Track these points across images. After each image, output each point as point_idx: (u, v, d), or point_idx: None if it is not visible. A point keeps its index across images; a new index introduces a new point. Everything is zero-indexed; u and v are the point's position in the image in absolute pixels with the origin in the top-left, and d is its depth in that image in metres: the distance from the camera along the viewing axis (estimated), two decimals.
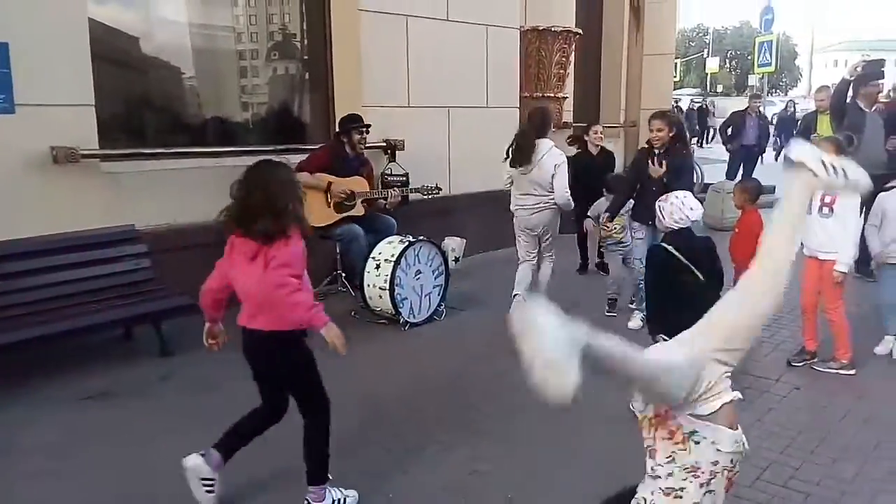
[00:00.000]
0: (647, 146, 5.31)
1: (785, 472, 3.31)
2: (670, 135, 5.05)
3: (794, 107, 22.04)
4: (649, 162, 5.10)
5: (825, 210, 4.50)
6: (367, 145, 6.56)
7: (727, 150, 11.85)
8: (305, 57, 7.04)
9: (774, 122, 20.40)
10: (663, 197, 3.87)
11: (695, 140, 22.59)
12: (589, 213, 5.91)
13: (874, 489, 3.19)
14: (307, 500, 2.97)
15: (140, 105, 6.14)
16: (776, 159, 18.19)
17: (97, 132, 5.15)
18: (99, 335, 4.87)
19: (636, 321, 5.39)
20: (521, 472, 3.35)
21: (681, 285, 3.64)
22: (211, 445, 3.00)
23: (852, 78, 6.85)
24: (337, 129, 6.18)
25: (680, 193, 3.83)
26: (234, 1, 6.66)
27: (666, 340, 3.69)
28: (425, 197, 6.33)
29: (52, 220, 4.85)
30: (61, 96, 4.92)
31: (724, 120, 12.65)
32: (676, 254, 3.67)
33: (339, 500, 3.05)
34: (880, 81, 6.69)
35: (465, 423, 3.87)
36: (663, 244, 3.75)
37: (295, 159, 5.91)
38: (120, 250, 4.99)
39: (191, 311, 5.02)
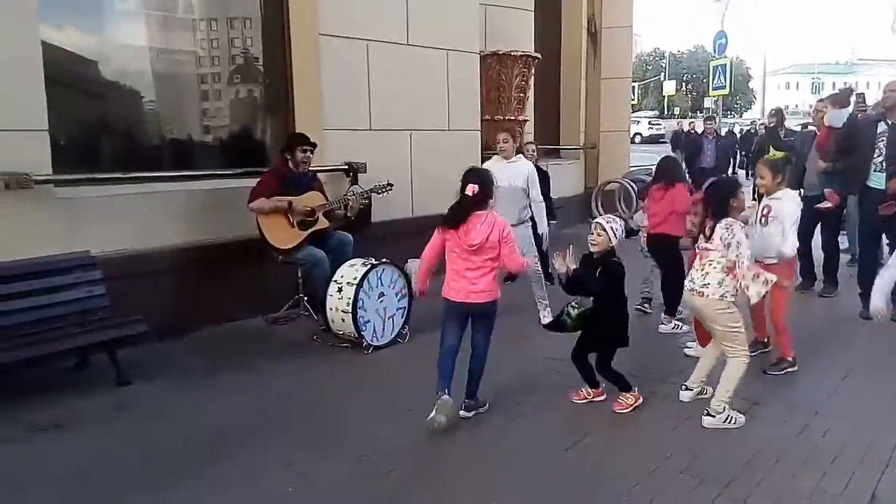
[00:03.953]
0: None
1: (745, 489, 3.34)
2: None
3: (756, 126, 22.43)
4: None
5: (763, 220, 4.82)
6: (330, 168, 6.58)
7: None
8: (266, 81, 7.02)
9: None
10: None
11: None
12: None
13: (835, 503, 3.24)
14: None
15: (97, 129, 6.05)
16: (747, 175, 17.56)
17: (51, 157, 5.03)
18: (53, 365, 4.72)
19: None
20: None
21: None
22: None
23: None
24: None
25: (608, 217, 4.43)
26: (196, 25, 6.62)
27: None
28: (379, 195, 6.45)
29: (5, 248, 4.72)
30: (13, 121, 4.80)
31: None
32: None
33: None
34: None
35: (432, 443, 3.86)
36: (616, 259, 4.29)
37: (254, 183, 5.86)
38: (75, 277, 4.85)
39: (148, 339, 4.94)
